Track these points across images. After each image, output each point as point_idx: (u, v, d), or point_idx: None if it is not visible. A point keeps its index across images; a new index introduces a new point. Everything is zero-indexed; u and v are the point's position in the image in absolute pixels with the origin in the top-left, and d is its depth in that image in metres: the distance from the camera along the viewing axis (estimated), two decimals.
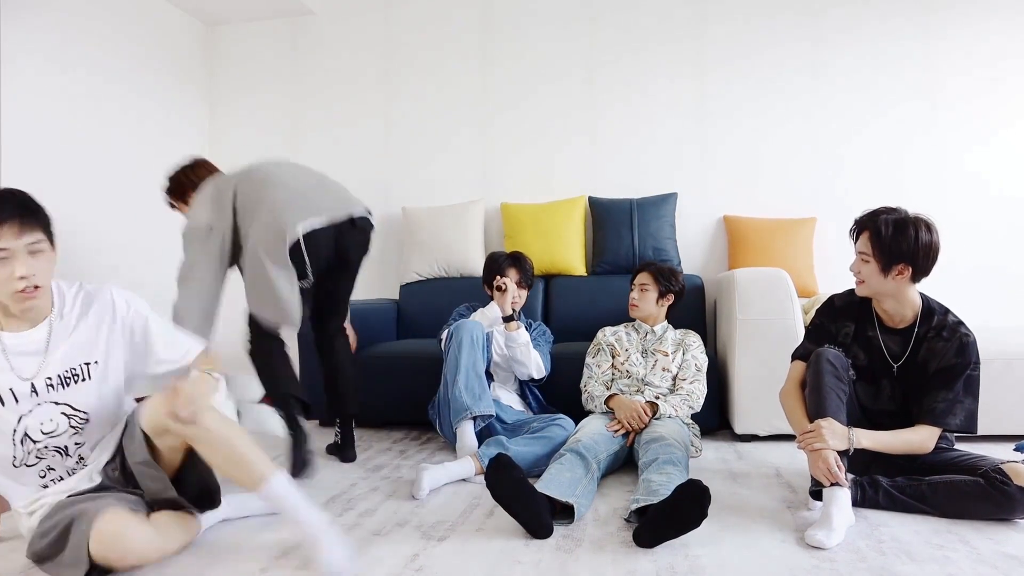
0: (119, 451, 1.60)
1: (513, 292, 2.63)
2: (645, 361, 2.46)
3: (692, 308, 3.10)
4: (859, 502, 1.79)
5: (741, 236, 3.39)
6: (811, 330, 2.04)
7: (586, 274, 3.44)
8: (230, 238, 2.19)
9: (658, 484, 1.73)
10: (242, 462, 1.46)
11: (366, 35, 4.03)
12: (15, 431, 1.47)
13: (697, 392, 2.38)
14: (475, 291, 2.96)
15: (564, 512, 1.74)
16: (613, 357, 2.49)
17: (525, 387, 2.69)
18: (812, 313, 2.46)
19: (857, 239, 1.87)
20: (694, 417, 2.44)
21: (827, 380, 1.79)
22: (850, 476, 1.76)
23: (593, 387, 2.42)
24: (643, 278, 2.53)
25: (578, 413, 2.43)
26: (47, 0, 3.18)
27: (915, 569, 1.46)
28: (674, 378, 2.42)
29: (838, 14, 3.50)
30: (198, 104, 4.19)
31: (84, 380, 1.55)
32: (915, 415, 1.83)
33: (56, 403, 1.51)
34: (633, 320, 2.58)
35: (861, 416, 1.91)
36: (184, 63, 4.06)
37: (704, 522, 1.55)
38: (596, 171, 3.69)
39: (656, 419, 2.24)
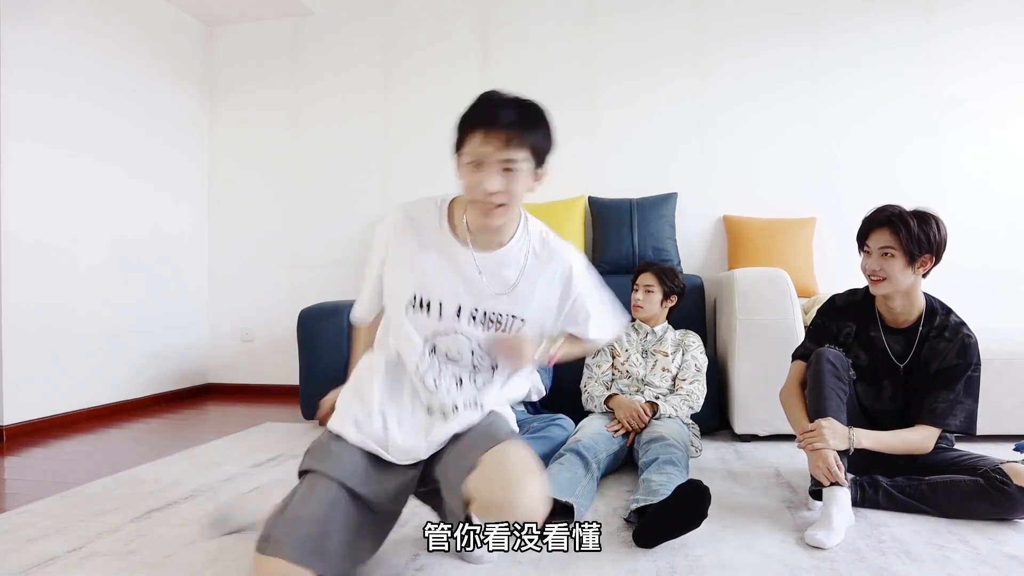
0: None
1: None
2: (645, 361, 2.46)
3: (692, 308, 3.10)
4: (859, 502, 1.79)
5: (741, 236, 3.39)
6: (812, 330, 2.03)
7: None
8: None
9: (658, 484, 1.73)
10: None
11: (366, 35, 4.03)
12: (425, 340, 1.36)
13: (697, 392, 2.37)
14: None
15: (564, 512, 1.74)
16: (613, 357, 2.49)
17: None
18: (812, 313, 2.46)
19: (870, 237, 1.84)
20: (694, 417, 2.43)
21: (827, 380, 1.79)
22: (850, 476, 1.76)
23: (593, 387, 2.42)
24: (647, 279, 2.50)
25: (578, 413, 2.43)
26: (48, 0, 3.18)
27: (915, 569, 1.46)
28: (674, 378, 2.42)
29: (837, 15, 3.51)
30: (198, 104, 4.19)
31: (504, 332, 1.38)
32: (915, 415, 1.83)
33: (468, 339, 1.37)
34: (633, 320, 2.58)
35: (861, 416, 1.91)
36: (184, 63, 4.07)
37: (704, 522, 1.55)
38: (596, 171, 3.69)
39: (656, 419, 2.24)
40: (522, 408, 2.61)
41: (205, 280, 4.25)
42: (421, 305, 1.34)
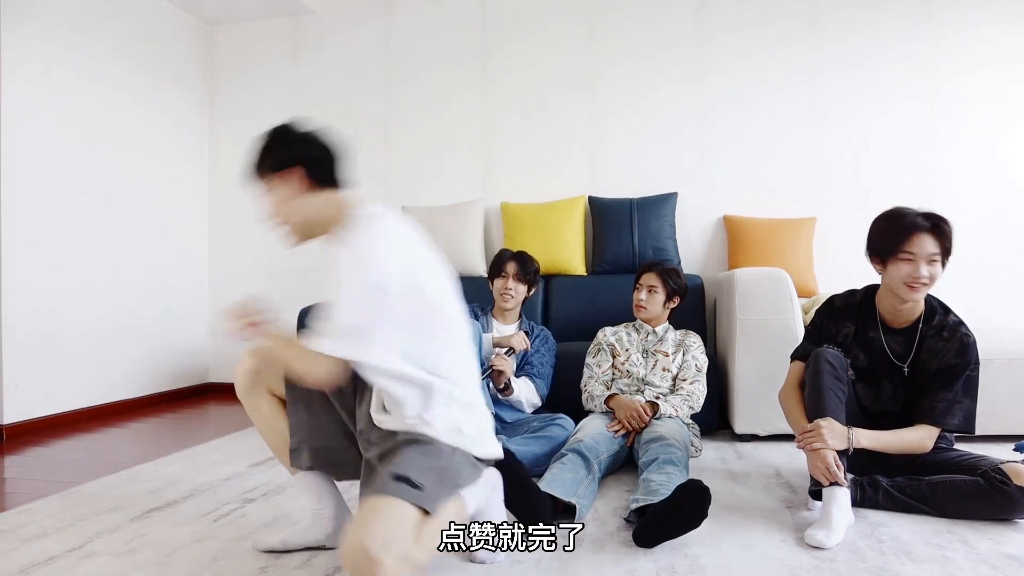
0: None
1: (510, 369, 2.46)
2: (645, 361, 2.46)
3: (692, 308, 3.09)
4: (859, 502, 1.79)
5: (741, 236, 3.39)
6: (811, 330, 2.03)
7: (586, 273, 3.44)
8: None
9: (658, 484, 1.73)
10: None
11: (366, 35, 4.02)
12: None
13: (697, 392, 2.37)
14: (475, 291, 2.96)
15: (566, 512, 1.74)
16: (613, 357, 2.49)
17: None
18: (812, 313, 2.46)
19: (912, 243, 1.74)
20: (694, 417, 2.43)
21: (826, 380, 1.79)
22: (850, 476, 1.76)
23: (593, 387, 2.42)
24: (651, 279, 2.49)
25: (578, 413, 2.43)
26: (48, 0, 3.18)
27: (915, 569, 1.46)
28: (674, 378, 2.42)
29: (837, 17, 3.51)
30: (197, 103, 4.19)
31: None
32: (914, 415, 1.83)
33: None
34: (634, 320, 2.58)
35: (861, 416, 1.91)
36: (183, 63, 4.06)
37: (704, 522, 1.55)
38: (596, 170, 3.69)
39: (656, 419, 2.24)
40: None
41: (205, 279, 4.25)
42: None
